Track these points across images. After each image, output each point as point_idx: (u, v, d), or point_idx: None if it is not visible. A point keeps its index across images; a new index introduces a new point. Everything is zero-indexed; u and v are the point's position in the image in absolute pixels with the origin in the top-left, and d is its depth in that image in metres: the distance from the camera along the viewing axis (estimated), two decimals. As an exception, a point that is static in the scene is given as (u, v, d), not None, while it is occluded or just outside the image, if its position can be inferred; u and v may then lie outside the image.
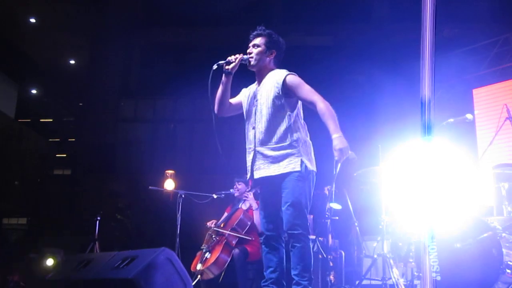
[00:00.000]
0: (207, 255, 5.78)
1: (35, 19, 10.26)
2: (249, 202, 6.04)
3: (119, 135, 10.90)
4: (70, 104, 12.77)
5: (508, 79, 8.67)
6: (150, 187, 6.26)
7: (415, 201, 5.35)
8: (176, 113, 10.27)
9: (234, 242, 5.82)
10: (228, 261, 5.69)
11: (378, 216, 5.40)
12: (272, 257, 3.79)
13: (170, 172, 7.17)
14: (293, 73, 3.86)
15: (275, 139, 3.74)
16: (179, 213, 5.88)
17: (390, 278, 5.16)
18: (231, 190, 6.17)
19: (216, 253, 5.70)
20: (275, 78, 3.84)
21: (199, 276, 5.64)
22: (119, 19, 9.27)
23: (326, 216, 5.26)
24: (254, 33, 4.01)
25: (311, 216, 6.70)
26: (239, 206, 6.10)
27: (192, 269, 5.75)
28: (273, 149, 3.74)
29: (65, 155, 14.46)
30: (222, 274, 5.59)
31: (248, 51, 3.96)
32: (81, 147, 11.11)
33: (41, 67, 11.10)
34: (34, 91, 12.82)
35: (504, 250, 3.98)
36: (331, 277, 6.06)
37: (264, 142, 3.78)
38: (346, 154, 3.47)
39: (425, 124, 3.36)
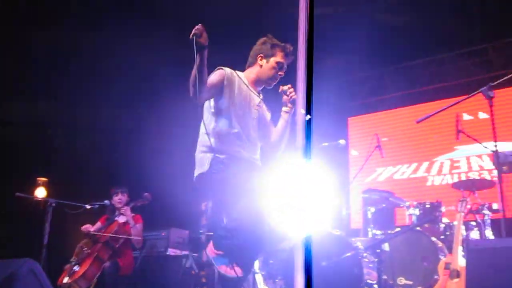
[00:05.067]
0: (76, 268, 5.57)
1: None
2: (126, 217, 5.92)
3: (-11, 138, 10.22)
4: None
5: (380, 110, 9.33)
6: (17, 193, 5.91)
7: (287, 219, 5.52)
8: (54, 118, 9.80)
9: (105, 256, 5.66)
10: (98, 274, 5.53)
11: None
12: None
13: (42, 179, 6.82)
14: None
15: (258, 154, 3.68)
16: (48, 222, 5.60)
17: (260, 295, 5.26)
18: (106, 201, 6.01)
19: (85, 266, 5.51)
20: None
21: (65, 289, 5.42)
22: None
23: (201, 232, 5.29)
24: (292, 50, 3.66)
25: (187, 232, 6.70)
26: (115, 219, 5.95)
27: (58, 283, 5.51)
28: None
29: None
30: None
31: (281, 73, 3.67)
32: None
33: None
34: None
35: (365, 270, 4.23)
36: (203, 293, 6.07)
37: (253, 152, 3.65)
38: None
39: (303, 146, 3.50)
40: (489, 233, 5.35)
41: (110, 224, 5.90)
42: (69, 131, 9.59)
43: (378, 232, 5.71)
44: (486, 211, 5.41)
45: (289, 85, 3.60)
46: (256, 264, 5.22)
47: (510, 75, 3.76)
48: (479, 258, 2.64)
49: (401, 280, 5.08)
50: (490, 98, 3.61)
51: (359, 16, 8.54)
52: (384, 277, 4.41)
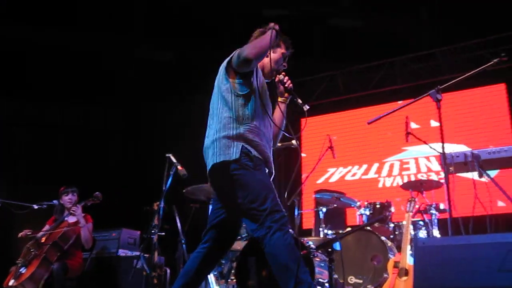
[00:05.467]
0: (22, 270, 5.41)
1: None
2: (77, 217, 5.78)
3: None
4: None
5: (332, 112, 9.47)
6: (-41, 193, 5.72)
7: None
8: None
9: (54, 257, 5.53)
10: (46, 276, 5.39)
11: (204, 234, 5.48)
12: None
13: (-13, 179, 6.60)
14: None
15: None
16: (-7, 223, 5.43)
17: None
18: (54, 201, 5.87)
19: (33, 268, 5.37)
20: None
21: (11, 292, 5.26)
22: None
23: (153, 232, 5.22)
24: (291, 43, 3.57)
25: (138, 232, 6.61)
26: (65, 219, 5.82)
27: (4, 285, 5.35)
28: None
29: None
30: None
31: (285, 64, 3.56)
32: None
33: None
34: None
35: (316, 269, 4.28)
36: (155, 294, 5.99)
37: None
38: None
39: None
40: (436, 232, 5.51)
41: (59, 224, 5.77)
42: (13, 128, 9.31)
43: (330, 231, 5.79)
44: (433, 211, 5.56)
45: (283, 73, 3.52)
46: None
47: (457, 79, 3.89)
48: (426, 256, 2.71)
49: (352, 279, 5.17)
50: (438, 101, 3.71)
51: (312, 18, 8.65)
52: (335, 276, 4.46)
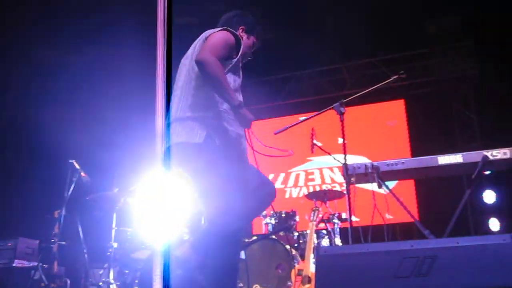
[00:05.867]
0: None
1: None
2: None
3: None
4: None
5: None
6: None
7: (146, 227, 5.42)
8: None
9: None
10: None
11: (107, 243, 5.33)
12: None
13: None
14: None
15: None
16: None
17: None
18: None
19: None
20: None
21: None
22: None
23: (53, 241, 5.01)
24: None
25: (37, 241, 6.30)
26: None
27: None
28: None
29: None
30: None
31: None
32: None
33: None
34: None
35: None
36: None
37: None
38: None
39: (163, 153, 3.46)
40: (338, 241, 5.69)
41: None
42: None
43: (236, 240, 5.81)
44: (336, 220, 5.75)
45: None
46: (111, 275, 5.08)
47: (359, 93, 4.07)
48: (328, 264, 2.78)
49: (257, 287, 5.21)
50: (342, 114, 3.86)
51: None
52: (240, 284, 4.49)
